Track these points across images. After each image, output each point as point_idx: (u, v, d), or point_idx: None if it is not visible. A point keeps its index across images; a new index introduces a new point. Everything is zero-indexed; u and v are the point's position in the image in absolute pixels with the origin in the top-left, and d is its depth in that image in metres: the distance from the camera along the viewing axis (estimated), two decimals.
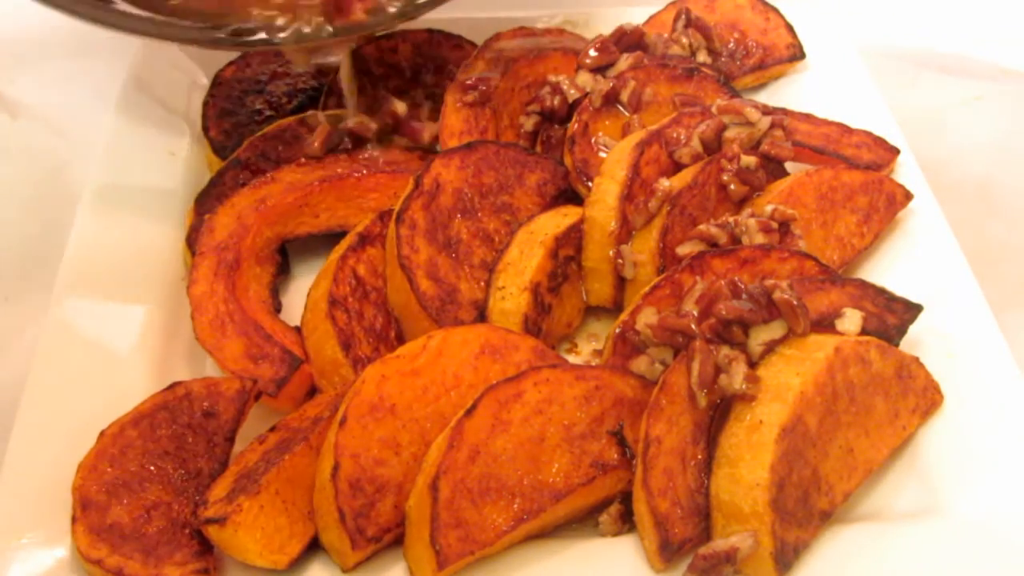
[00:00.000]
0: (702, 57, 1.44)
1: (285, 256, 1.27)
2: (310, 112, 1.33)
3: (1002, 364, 1.04)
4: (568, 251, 1.17)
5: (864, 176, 1.20)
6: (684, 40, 1.45)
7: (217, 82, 1.43)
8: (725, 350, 0.96)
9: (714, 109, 1.25)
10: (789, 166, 1.25)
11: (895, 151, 1.27)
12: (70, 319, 1.14)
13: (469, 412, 0.91)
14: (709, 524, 0.91)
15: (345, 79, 1.36)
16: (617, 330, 1.05)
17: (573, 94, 1.31)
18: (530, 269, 1.12)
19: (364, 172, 1.27)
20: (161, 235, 1.26)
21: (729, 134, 1.23)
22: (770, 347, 0.97)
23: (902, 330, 1.04)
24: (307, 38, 1.24)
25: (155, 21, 1.22)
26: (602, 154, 1.25)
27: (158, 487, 0.99)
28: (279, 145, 1.31)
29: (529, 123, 1.34)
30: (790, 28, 1.48)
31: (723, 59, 1.46)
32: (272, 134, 1.32)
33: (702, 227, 1.12)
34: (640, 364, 1.01)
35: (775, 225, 1.11)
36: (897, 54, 1.66)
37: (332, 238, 1.22)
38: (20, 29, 1.64)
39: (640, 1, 1.56)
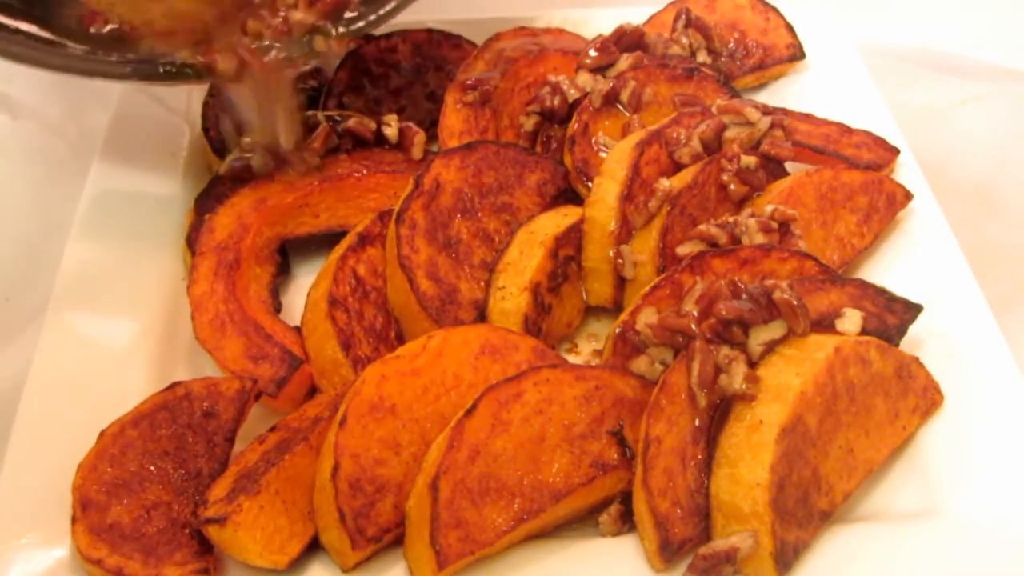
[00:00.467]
0: (702, 57, 1.44)
1: (285, 256, 1.27)
2: (310, 112, 1.33)
3: (1002, 364, 1.03)
4: (568, 251, 1.17)
5: (864, 176, 1.20)
6: (684, 40, 1.45)
7: None
8: (725, 350, 0.96)
9: (714, 109, 1.25)
10: (789, 166, 1.25)
11: (895, 151, 1.27)
12: (70, 319, 1.14)
13: (469, 412, 0.91)
14: (709, 524, 0.91)
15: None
16: (617, 330, 1.05)
17: (573, 94, 1.31)
18: (530, 269, 1.12)
19: (364, 172, 1.27)
20: (161, 235, 1.26)
21: (729, 134, 1.23)
22: (770, 347, 0.97)
23: (902, 330, 1.04)
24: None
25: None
26: (602, 154, 1.25)
27: (158, 487, 0.99)
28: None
29: (529, 123, 1.34)
30: (790, 28, 1.48)
31: (723, 59, 1.46)
32: None
33: (702, 227, 1.12)
34: (640, 364, 1.01)
35: (775, 225, 1.11)
36: (897, 54, 1.66)
37: (332, 238, 1.22)
38: None
39: (640, 1, 1.56)
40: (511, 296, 1.12)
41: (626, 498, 0.95)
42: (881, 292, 1.06)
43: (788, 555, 0.88)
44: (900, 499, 0.97)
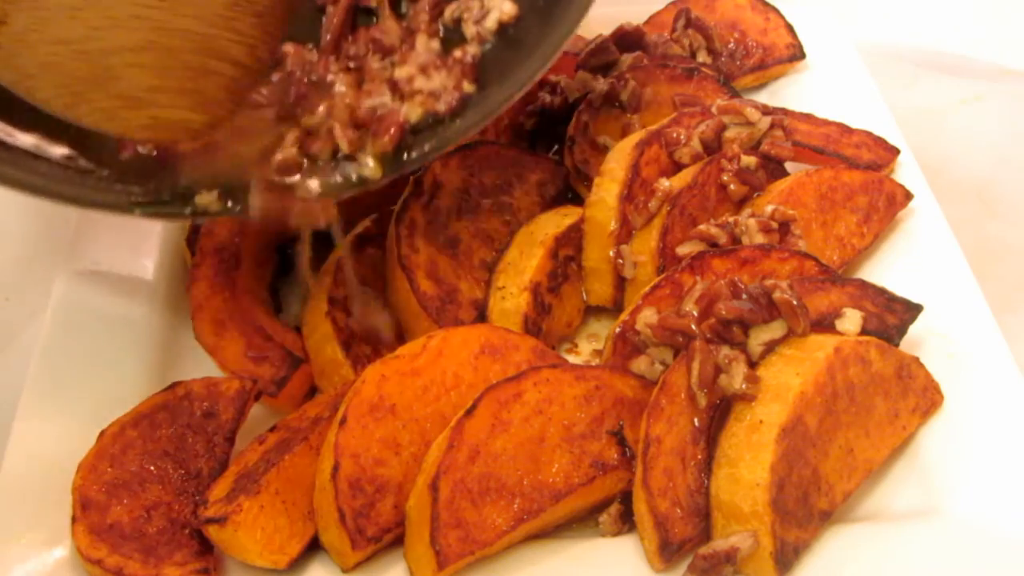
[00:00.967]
0: (702, 57, 1.44)
1: (285, 256, 1.27)
2: None
3: (1002, 364, 1.03)
4: (568, 251, 1.17)
5: (864, 176, 1.20)
6: (684, 40, 1.45)
7: None
8: (725, 350, 0.96)
9: (714, 109, 1.25)
10: (789, 166, 1.25)
11: (895, 151, 1.27)
12: (70, 319, 1.14)
13: (469, 412, 0.91)
14: (709, 524, 0.91)
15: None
16: (617, 330, 1.05)
17: (573, 94, 1.31)
18: (530, 269, 1.12)
19: None
20: (161, 235, 1.26)
21: (729, 134, 1.23)
22: (770, 347, 0.97)
23: (902, 330, 1.04)
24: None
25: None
26: (602, 154, 1.25)
27: (158, 487, 0.99)
28: None
29: (529, 123, 1.34)
30: (790, 28, 1.48)
31: (723, 59, 1.46)
32: None
33: (702, 227, 1.12)
34: (640, 364, 1.01)
35: (775, 225, 1.11)
36: (897, 54, 1.66)
37: (332, 238, 1.22)
38: None
39: (640, 1, 1.56)
40: (511, 296, 1.12)
41: (626, 498, 0.95)
42: (881, 292, 1.06)
43: (788, 555, 0.88)
44: (900, 499, 0.97)
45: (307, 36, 1.12)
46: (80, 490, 0.97)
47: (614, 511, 0.95)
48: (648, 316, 1.03)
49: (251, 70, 1.02)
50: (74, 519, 0.95)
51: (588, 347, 1.18)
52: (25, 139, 1.01)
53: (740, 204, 1.19)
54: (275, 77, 1.07)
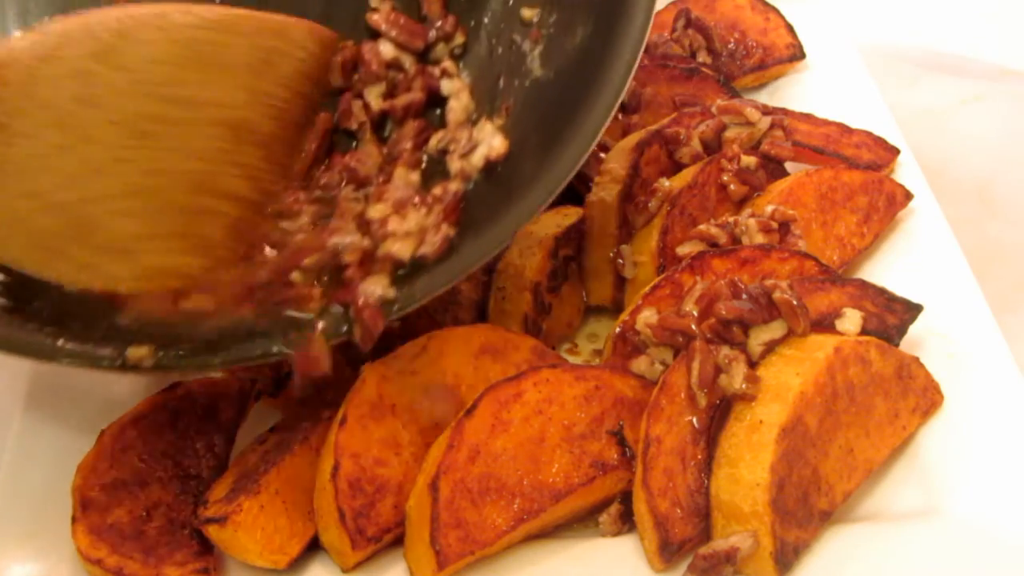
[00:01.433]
0: (702, 57, 1.44)
1: None
2: None
3: (1002, 364, 1.03)
4: (568, 251, 1.17)
5: (864, 176, 1.20)
6: (684, 40, 1.45)
7: None
8: (725, 350, 0.96)
9: (714, 109, 1.25)
10: (789, 166, 1.25)
11: (895, 151, 1.27)
12: None
13: (469, 412, 0.91)
14: (709, 524, 0.91)
15: None
16: (617, 330, 1.05)
17: None
18: (530, 269, 1.12)
19: None
20: None
21: (729, 134, 1.23)
22: (770, 347, 0.97)
23: (902, 330, 1.04)
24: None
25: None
26: (602, 154, 1.25)
27: (158, 487, 0.99)
28: None
29: None
30: (790, 28, 1.48)
31: (723, 59, 1.46)
32: None
33: (702, 227, 1.12)
34: (640, 364, 1.01)
35: (775, 225, 1.11)
36: (897, 54, 1.66)
37: None
38: None
39: None
40: (511, 296, 1.12)
41: (626, 498, 0.95)
42: (881, 292, 1.06)
43: (788, 555, 0.88)
44: (900, 499, 0.97)
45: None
46: (80, 490, 0.97)
47: (614, 511, 0.95)
48: (648, 316, 1.03)
49: (256, 206, 0.91)
50: (74, 519, 0.95)
51: (588, 347, 1.18)
52: None
53: (740, 204, 1.19)
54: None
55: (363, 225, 0.97)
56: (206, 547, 0.94)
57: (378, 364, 0.97)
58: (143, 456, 1.00)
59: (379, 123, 1.09)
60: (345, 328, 0.91)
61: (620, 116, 1.31)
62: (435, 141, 1.05)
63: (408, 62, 1.09)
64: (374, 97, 1.07)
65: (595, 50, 0.95)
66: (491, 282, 1.14)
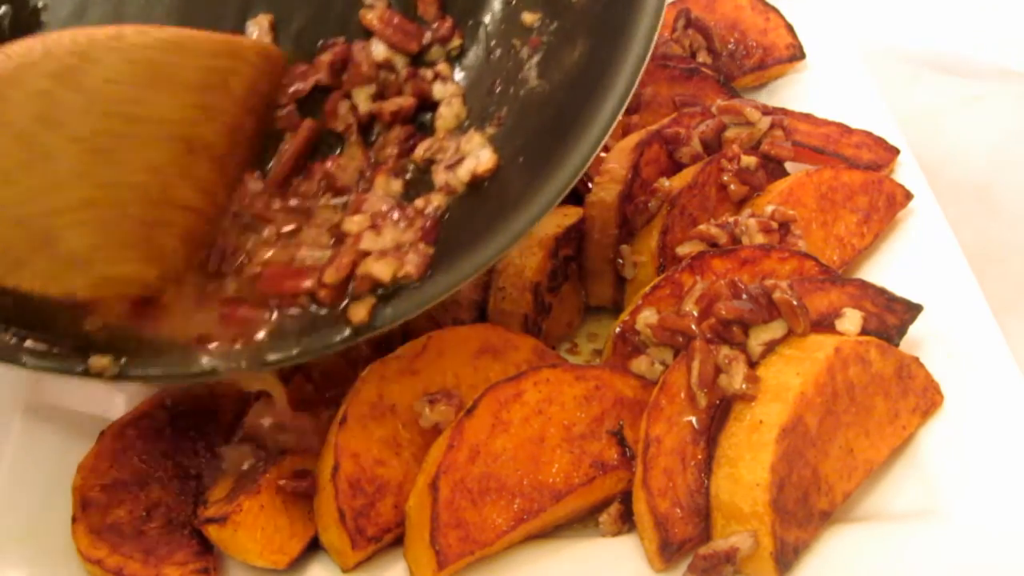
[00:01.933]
0: (702, 57, 1.44)
1: None
2: None
3: (1002, 364, 1.03)
4: (568, 251, 1.17)
5: (864, 176, 1.20)
6: (684, 40, 1.45)
7: None
8: (725, 350, 0.96)
9: (714, 109, 1.25)
10: (789, 166, 1.25)
11: (895, 151, 1.27)
12: None
13: (469, 412, 0.91)
14: (709, 524, 0.91)
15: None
16: (617, 330, 1.05)
17: None
18: (530, 269, 1.12)
19: None
20: None
21: (729, 134, 1.23)
22: (770, 347, 0.97)
23: (902, 330, 1.04)
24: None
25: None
26: (602, 154, 1.25)
27: (158, 487, 0.99)
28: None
29: None
30: (790, 28, 1.48)
31: (723, 59, 1.46)
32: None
33: (702, 227, 1.12)
34: (640, 364, 1.01)
35: (775, 225, 1.11)
36: (897, 54, 1.66)
37: None
38: None
39: None
40: (511, 296, 1.12)
41: (626, 498, 0.95)
42: (881, 292, 1.06)
43: (788, 555, 0.88)
44: (900, 499, 0.97)
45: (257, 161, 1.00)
46: (80, 490, 0.97)
47: (614, 511, 0.95)
48: (648, 316, 1.03)
49: (208, 216, 0.94)
50: (74, 519, 0.95)
51: (588, 347, 1.18)
52: None
53: (740, 204, 1.19)
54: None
55: (337, 238, 0.95)
56: (206, 547, 0.94)
57: (378, 364, 0.97)
58: (143, 456, 1.00)
59: (366, 127, 1.06)
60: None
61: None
62: (422, 150, 1.01)
63: (400, 64, 1.06)
64: (363, 99, 1.05)
65: (593, 69, 0.93)
66: (491, 282, 1.14)
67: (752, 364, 0.96)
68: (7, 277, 0.83)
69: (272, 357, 0.91)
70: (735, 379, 0.94)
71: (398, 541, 0.93)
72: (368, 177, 1.01)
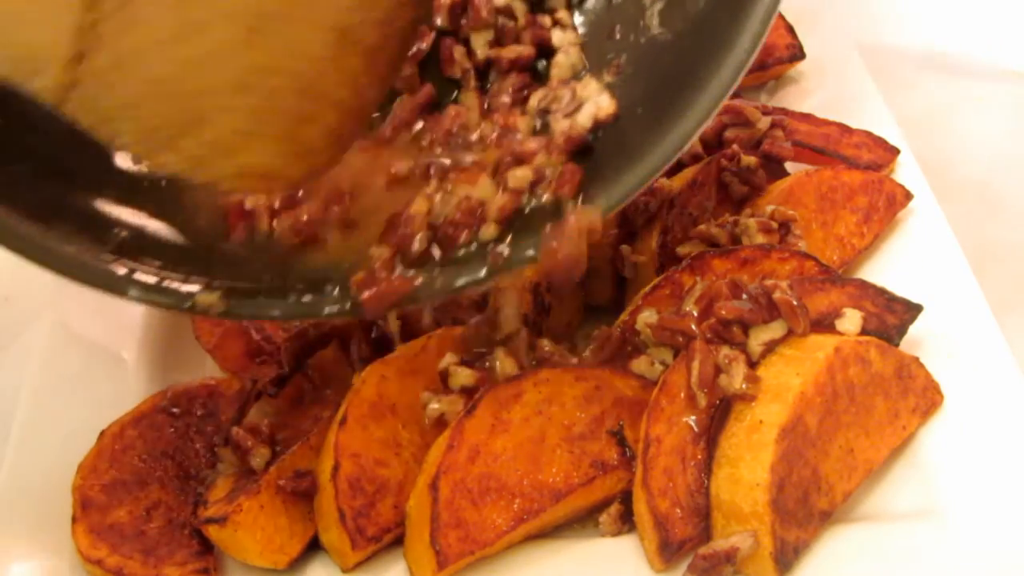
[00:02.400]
0: None
1: None
2: None
3: (1002, 364, 1.03)
4: None
5: (864, 176, 1.20)
6: None
7: None
8: (725, 350, 0.96)
9: None
10: (789, 166, 1.25)
11: (895, 151, 1.27)
12: (70, 319, 1.14)
13: (469, 412, 0.91)
14: (709, 524, 0.91)
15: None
16: (603, 330, 1.04)
17: None
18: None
19: None
20: None
21: (729, 134, 1.23)
22: (770, 347, 0.97)
23: (902, 330, 1.04)
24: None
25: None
26: None
27: (158, 487, 0.99)
28: None
29: None
30: (790, 28, 1.48)
31: None
32: None
33: (702, 227, 1.12)
34: (640, 364, 1.01)
35: (775, 225, 1.11)
36: (897, 54, 1.65)
37: None
38: None
39: None
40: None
41: (626, 498, 0.95)
42: (881, 292, 1.06)
43: (788, 555, 0.88)
44: (900, 499, 0.97)
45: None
46: (80, 490, 0.97)
47: (614, 511, 0.95)
48: (648, 316, 1.03)
49: (356, 115, 0.92)
50: (74, 519, 0.95)
51: (588, 347, 1.18)
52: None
53: (740, 204, 1.19)
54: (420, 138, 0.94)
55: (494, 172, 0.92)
56: (206, 547, 0.94)
57: (378, 364, 0.97)
58: (143, 456, 1.00)
59: (483, 73, 1.02)
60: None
61: None
62: (536, 99, 0.97)
63: (520, 11, 1.02)
64: (480, 44, 1.01)
65: (717, 20, 0.88)
66: None
67: (752, 364, 0.96)
68: (158, 154, 0.82)
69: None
70: (735, 379, 0.94)
71: (398, 541, 0.93)
72: (499, 123, 0.97)
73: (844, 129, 1.29)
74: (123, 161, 0.92)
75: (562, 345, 1.17)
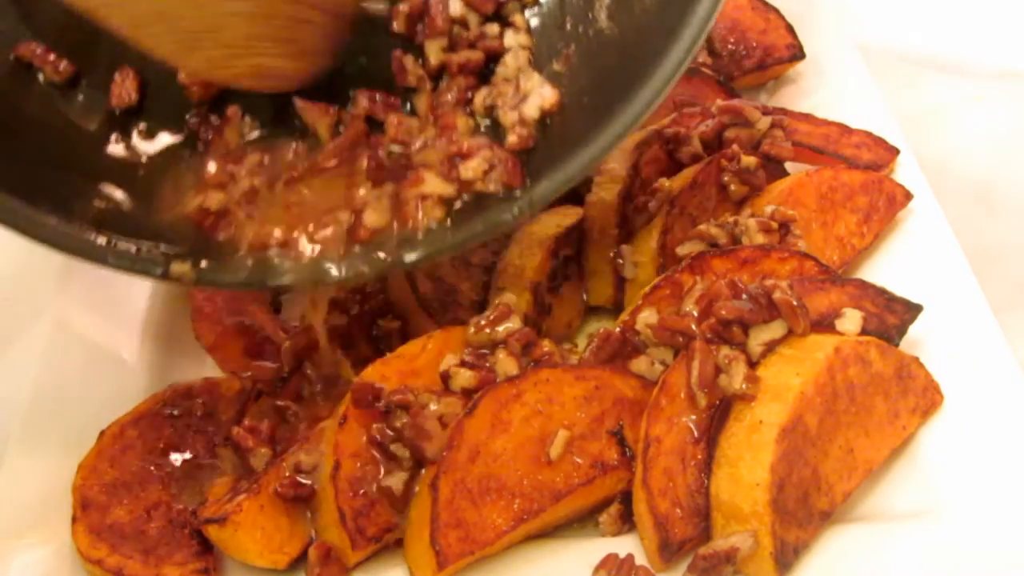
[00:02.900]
0: (702, 57, 1.44)
1: None
2: None
3: (1002, 364, 1.03)
4: (568, 251, 1.17)
5: (864, 176, 1.20)
6: None
7: None
8: (725, 350, 0.96)
9: (714, 109, 1.25)
10: (789, 166, 1.25)
11: (895, 151, 1.27)
12: (70, 319, 1.14)
13: (469, 412, 0.91)
14: (709, 524, 0.91)
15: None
16: (617, 330, 1.04)
17: None
18: (530, 269, 1.12)
19: None
20: None
21: (729, 134, 1.23)
22: (770, 347, 0.97)
23: (902, 330, 1.04)
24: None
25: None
26: None
27: (158, 487, 0.99)
28: None
29: None
30: (790, 28, 1.48)
31: (723, 59, 1.46)
32: None
33: (702, 227, 1.12)
34: (640, 364, 1.01)
35: (775, 225, 1.11)
36: (897, 54, 1.66)
37: None
38: None
39: None
40: (511, 296, 1.11)
41: (626, 498, 0.95)
42: (881, 292, 1.06)
43: (788, 555, 0.88)
44: (900, 499, 0.97)
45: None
46: (80, 490, 0.97)
47: (614, 511, 0.95)
48: (648, 316, 1.03)
49: (340, 17, 1.03)
50: (74, 519, 0.95)
51: (588, 347, 1.18)
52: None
53: (740, 204, 1.19)
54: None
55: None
56: (206, 547, 0.94)
57: (378, 364, 0.97)
58: (143, 456, 1.00)
59: (437, 79, 1.06)
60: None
61: None
62: (480, 98, 1.02)
63: (474, 21, 1.06)
64: (434, 51, 1.04)
65: (662, 18, 0.93)
66: (491, 282, 1.14)
67: (752, 364, 0.96)
68: (188, 56, 0.96)
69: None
70: (735, 379, 0.94)
71: (398, 541, 0.93)
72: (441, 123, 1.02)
73: (844, 129, 1.29)
74: (114, 148, 1.03)
75: (562, 345, 1.18)
